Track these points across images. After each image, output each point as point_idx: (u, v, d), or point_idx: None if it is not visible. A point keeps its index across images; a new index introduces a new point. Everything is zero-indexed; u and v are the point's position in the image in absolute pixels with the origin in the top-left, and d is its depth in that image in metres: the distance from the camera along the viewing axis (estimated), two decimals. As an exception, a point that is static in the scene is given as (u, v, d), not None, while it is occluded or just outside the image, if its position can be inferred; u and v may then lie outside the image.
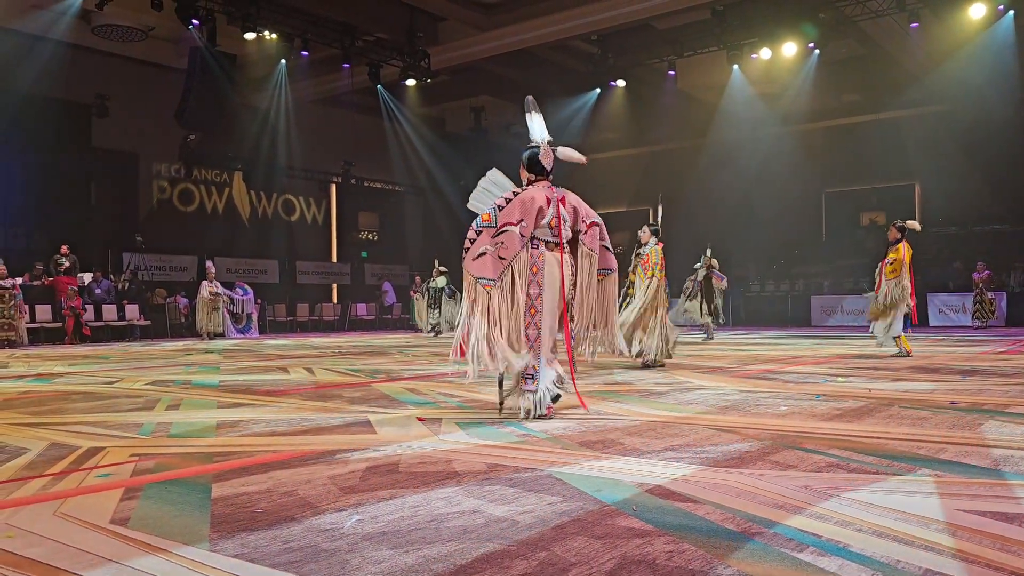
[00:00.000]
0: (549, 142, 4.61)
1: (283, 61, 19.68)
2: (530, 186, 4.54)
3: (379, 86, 20.74)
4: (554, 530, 2.30)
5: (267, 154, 22.24)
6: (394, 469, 3.18)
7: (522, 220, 4.34)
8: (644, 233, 8.53)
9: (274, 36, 17.97)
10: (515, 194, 4.46)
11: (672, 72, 20.45)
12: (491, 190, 4.70)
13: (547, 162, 4.55)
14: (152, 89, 19.57)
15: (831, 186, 23.96)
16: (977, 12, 16.67)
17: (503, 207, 4.40)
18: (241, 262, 21.99)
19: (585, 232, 4.55)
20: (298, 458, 3.43)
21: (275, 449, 3.67)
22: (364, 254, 25.96)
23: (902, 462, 3.19)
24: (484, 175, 4.87)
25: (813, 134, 22.78)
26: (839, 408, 4.76)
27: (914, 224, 9.27)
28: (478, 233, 4.38)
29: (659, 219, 8.83)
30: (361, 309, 23.34)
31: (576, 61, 21.52)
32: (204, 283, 17.41)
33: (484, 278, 4.30)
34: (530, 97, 4.71)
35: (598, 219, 4.64)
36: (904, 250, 8.96)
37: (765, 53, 18.42)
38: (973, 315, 17.71)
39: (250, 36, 17.40)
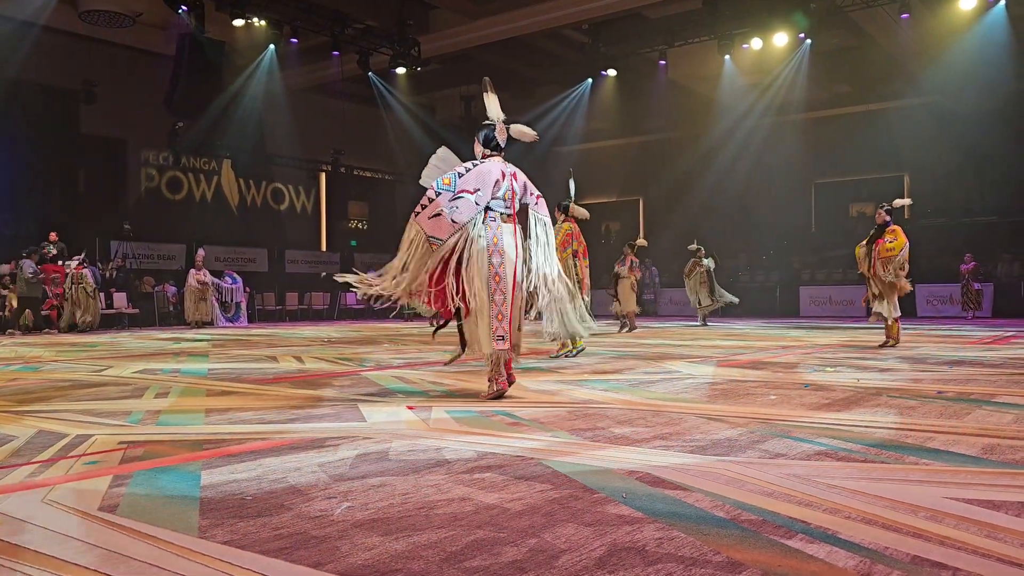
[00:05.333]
0: (504, 120, 4.93)
1: (272, 48, 19.54)
2: (486, 160, 4.85)
3: (370, 73, 20.63)
4: (544, 517, 2.30)
5: (256, 142, 22.11)
6: (384, 457, 3.18)
7: (478, 190, 4.67)
8: (556, 210, 8.25)
9: (263, 23, 17.84)
10: (474, 165, 4.78)
11: (663, 62, 20.43)
12: (440, 166, 4.97)
13: (502, 139, 4.91)
14: (140, 76, 19.42)
15: (821, 177, 24.04)
16: (968, 3, 16.70)
17: (463, 175, 4.70)
18: (230, 250, 21.90)
19: (536, 204, 5.00)
20: (288, 446, 3.42)
21: (264, 437, 3.66)
22: (353, 243, 25.89)
23: (890, 451, 3.21)
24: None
25: (803, 124, 22.81)
26: (827, 397, 4.78)
27: (903, 201, 9.27)
28: (437, 194, 4.66)
29: (571, 194, 8.49)
30: (351, 298, 23.27)
31: (567, 50, 21.47)
32: (192, 271, 17.33)
33: (435, 237, 4.62)
34: (487, 78, 5.04)
35: (540, 193, 5.05)
36: (901, 232, 8.96)
37: (756, 43, 18.41)
38: (963, 305, 17.84)
39: (239, 23, 17.28)
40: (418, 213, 4.66)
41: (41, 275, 14.90)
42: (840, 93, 22.89)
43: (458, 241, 4.65)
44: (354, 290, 4.86)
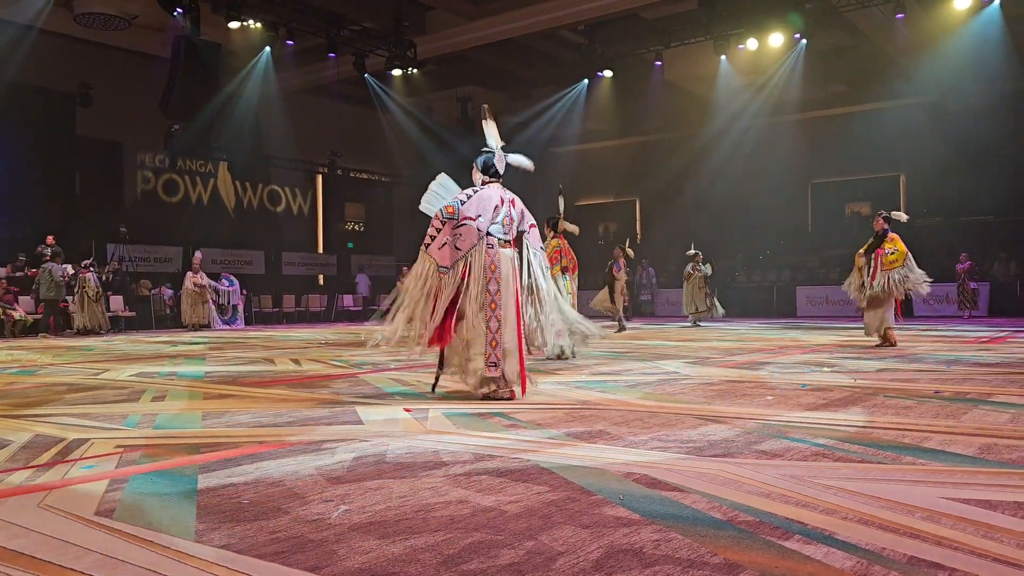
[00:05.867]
0: (502, 147, 5.04)
1: (268, 50, 19.51)
2: (485, 186, 4.95)
3: (367, 75, 20.62)
4: (541, 519, 2.30)
5: (252, 144, 22.07)
6: (381, 459, 3.18)
7: (480, 216, 4.77)
8: (546, 226, 8.37)
9: (259, 25, 17.81)
10: (474, 192, 4.88)
11: (659, 63, 20.43)
12: (440, 193, 5.06)
13: (500, 166, 5.03)
14: (136, 78, 19.36)
15: (818, 177, 24.04)
16: (962, 3, 16.72)
17: (464, 202, 4.80)
18: (226, 253, 21.84)
19: (529, 232, 5.09)
20: (285, 449, 3.42)
21: (261, 440, 3.66)
22: (351, 245, 25.88)
23: (887, 451, 3.21)
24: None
25: (800, 125, 22.82)
26: (824, 398, 4.79)
27: (900, 215, 9.30)
28: (443, 223, 4.78)
29: (560, 210, 8.49)
30: (348, 300, 23.26)
31: (564, 51, 21.46)
32: (189, 274, 17.31)
33: (444, 267, 4.72)
34: (485, 105, 5.16)
35: (534, 222, 5.19)
36: (900, 241, 8.95)
37: (752, 43, 18.42)
38: (959, 304, 17.88)
39: (235, 25, 17.25)
40: (428, 245, 4.78)
41: (68, 278, 15.20)
42: (836, 93, 22.91)
43: (462, 268, 4.74)
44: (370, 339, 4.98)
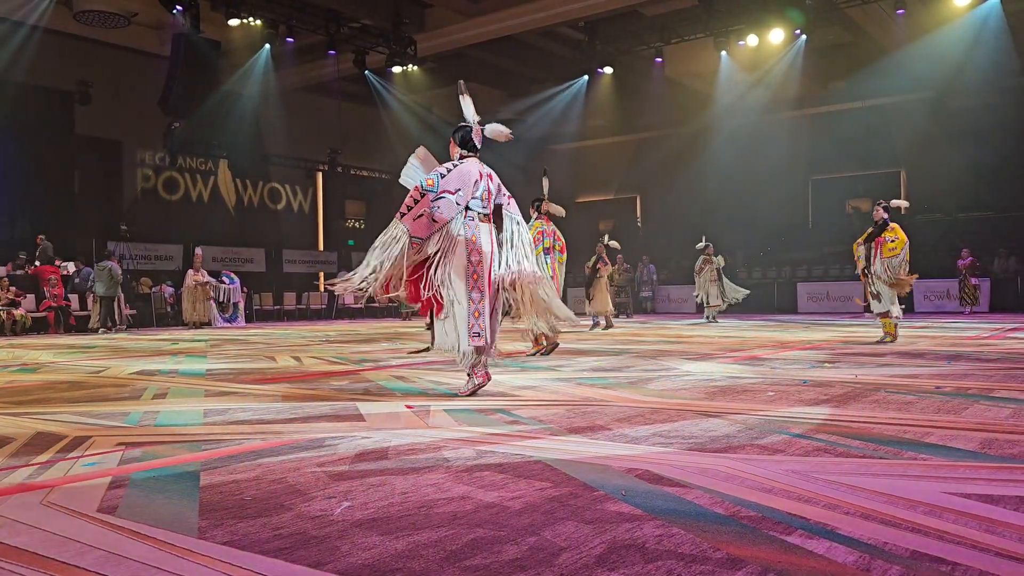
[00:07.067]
0: (479, 122, 5.05)
1: (267, 47, 19.51)
2: (464, 160, 4.95)
3: (367, 72, 20.62)
4: (544, 515, 2.30)
5: (252, 142, 22.09)
6: (383, 456, 3.18)
7: (459, 190, 4.76)
8: (531, 207, 8.26)
9: (259, 22, 17.81)
10: (454, 166, 4.88)
11: (659, 59, 20.42)
12: (419, 166, 5.07)
13: (477, 140, 5.03)
14: (136, 76, 19.37)
15: (818, 173, 24.04)
16: (962, -1, 16.74)
17: (444, 176, 4.79)
18: (227, 251, 21.86)
19: (508, 204, 5.11)
20: (287, 446, 3.42)
21: (263, 437, 3.66)
22: (351, 242, 25.88)
23: (888, 446, 3.21)
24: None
25: (800, 121, 22.82)
26: (826, 393, 4.79)
27: (900, 203, 9.29)
28: (422, 195, 4.74)
29: (544, 192, 8.30)
30: (348, 297, 23.27)
31: (563, 48, 21.45)
32: (190, 272, 17.33)
33: (417, 237, 4.70)
34: (461, 81, 5.19)
35: (510, 194, 5.17)
36: (900, 230, 8.94)
37: (752, 39, 18.41)
38: (960, 300, 17.89)
39: (234, 22, 17.26)
40: (403, 214, 4.75)
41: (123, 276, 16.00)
42: (836, 89, 22.90)
43: (439, 241, 4.74)
44: (332, 288, 5.05)
